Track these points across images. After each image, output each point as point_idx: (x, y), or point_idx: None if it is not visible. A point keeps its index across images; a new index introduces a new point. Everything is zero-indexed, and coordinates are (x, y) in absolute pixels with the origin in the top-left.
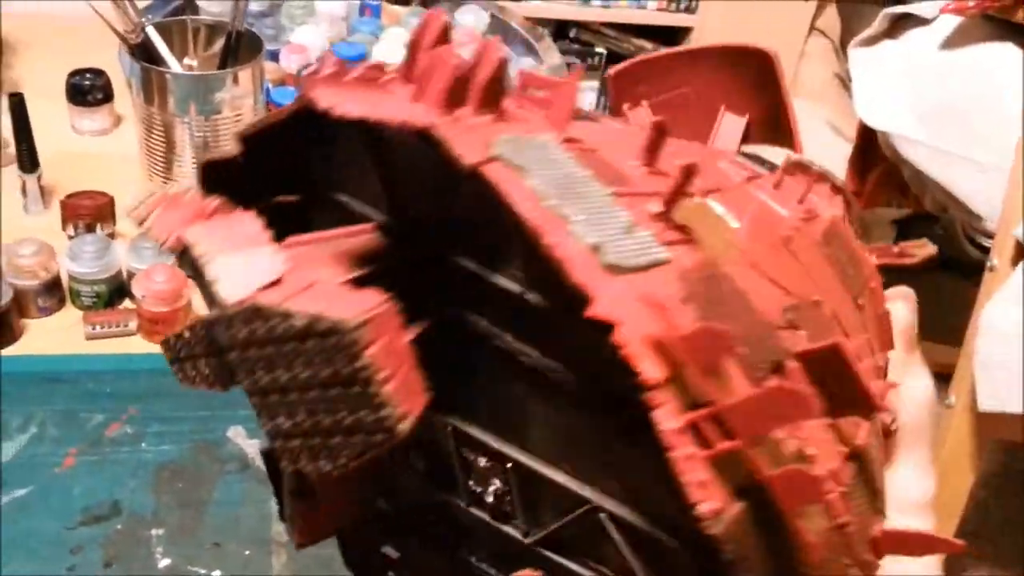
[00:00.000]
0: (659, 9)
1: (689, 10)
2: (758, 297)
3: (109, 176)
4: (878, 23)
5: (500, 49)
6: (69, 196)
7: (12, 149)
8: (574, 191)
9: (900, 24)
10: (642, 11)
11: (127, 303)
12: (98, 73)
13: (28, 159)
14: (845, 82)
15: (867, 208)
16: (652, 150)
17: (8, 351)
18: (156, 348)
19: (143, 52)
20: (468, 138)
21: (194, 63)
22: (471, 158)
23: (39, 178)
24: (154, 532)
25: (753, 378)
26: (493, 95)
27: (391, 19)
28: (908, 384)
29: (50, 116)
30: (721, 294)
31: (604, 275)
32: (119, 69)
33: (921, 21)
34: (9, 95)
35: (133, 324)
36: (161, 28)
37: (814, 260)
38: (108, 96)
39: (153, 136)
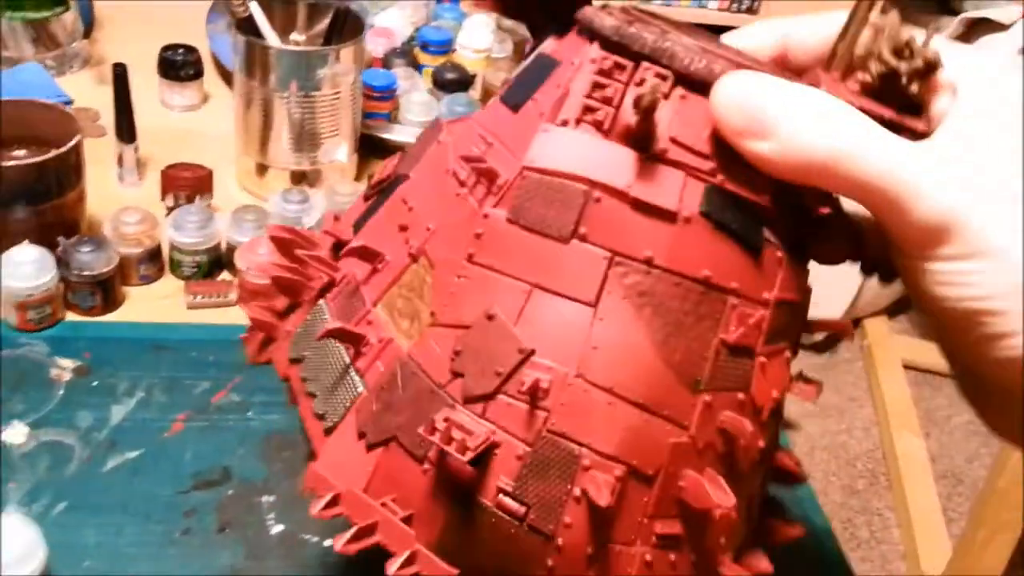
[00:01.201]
0: (720, 9)
1: (751, 11)
2: (430, 362)
3: (202, 150)
4: (954, 27)
5: None
6: (169, 167)
7: (102, 121)
8: (317, 364)
9: (976, 29)
10: (703, 11)
11: (224, 275)
12: (190, 49)
13: (127, 130)
14: None
15: None
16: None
17: (111, 317)
18: None
19: (246, 26)
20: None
21: (301, 38)
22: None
23: (136, 149)
24: (265, 499)
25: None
26: None
27: (468, 5)
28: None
29: (140, 89)
30: (391, 399)
31: (324, 440)
32: (207, 46)
33: (998, 26)
34: (113, 65)
35: (233, 295)
36: (263, 4)
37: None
38: (199, 72)
39: (251, 112)
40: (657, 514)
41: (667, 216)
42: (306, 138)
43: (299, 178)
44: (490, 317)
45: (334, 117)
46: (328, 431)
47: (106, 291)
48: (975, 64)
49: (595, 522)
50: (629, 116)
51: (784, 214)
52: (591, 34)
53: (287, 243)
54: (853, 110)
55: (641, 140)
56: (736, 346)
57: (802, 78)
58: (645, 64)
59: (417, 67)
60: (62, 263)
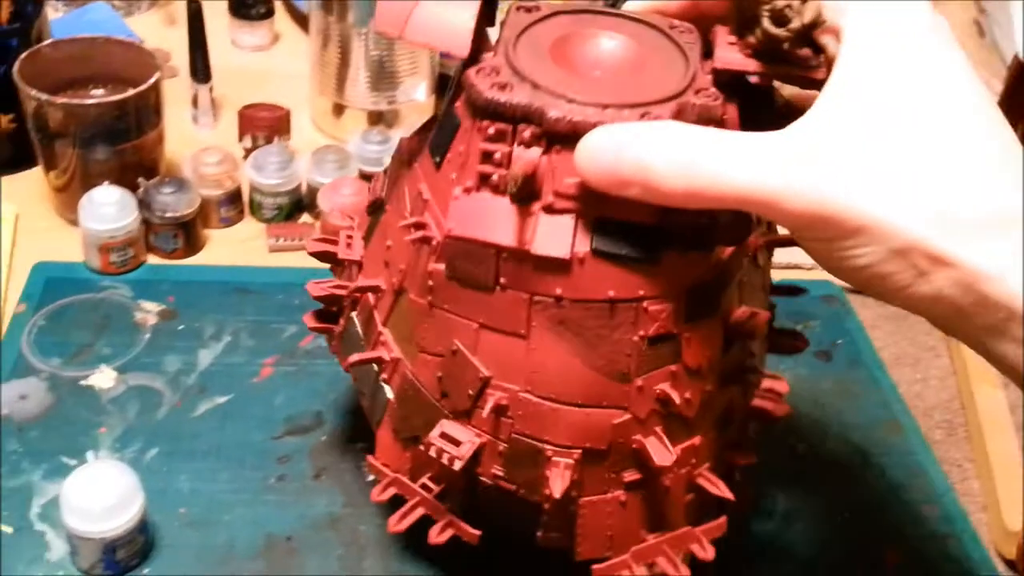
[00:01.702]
0: None
1: None
2: (426, 382)
3: (275, 91)
4: None
5: None
6: (246, 107)
7: (174, 62)
8: (361, 371)
9: None
10: None
11: (305, 217)
12: None
13: (202, 69)
14: (983, 27)
15: None
16: None
17: (193, 260)
18: None
19: None
20: None
21: None
22: None
23: (211, 89)
24: (360, 445)
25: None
26: None
27: None
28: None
29: (210, 30)
30: (408, 407)
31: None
32: None
33: None
34: (188, 2)
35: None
36: None
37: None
38: (269, 11)
39: (328, 50)
40: (620, 469)
41: (563, 263)
42: (384, 77)
43: (376, 119)
44: (454, 352)
45: (413, 55)
46: (377, 424)
47: (188, 233)
48: (864, 4)
49: (569, 488)
50: (512, 186)
51: (674, 219)
52: (473, 106)
53: (327, 255)
54: (700, 135)
55: (528, 199)
56: (657, 337)
57: (704, 33)
58: (522, 126)
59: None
60: (143, 205)
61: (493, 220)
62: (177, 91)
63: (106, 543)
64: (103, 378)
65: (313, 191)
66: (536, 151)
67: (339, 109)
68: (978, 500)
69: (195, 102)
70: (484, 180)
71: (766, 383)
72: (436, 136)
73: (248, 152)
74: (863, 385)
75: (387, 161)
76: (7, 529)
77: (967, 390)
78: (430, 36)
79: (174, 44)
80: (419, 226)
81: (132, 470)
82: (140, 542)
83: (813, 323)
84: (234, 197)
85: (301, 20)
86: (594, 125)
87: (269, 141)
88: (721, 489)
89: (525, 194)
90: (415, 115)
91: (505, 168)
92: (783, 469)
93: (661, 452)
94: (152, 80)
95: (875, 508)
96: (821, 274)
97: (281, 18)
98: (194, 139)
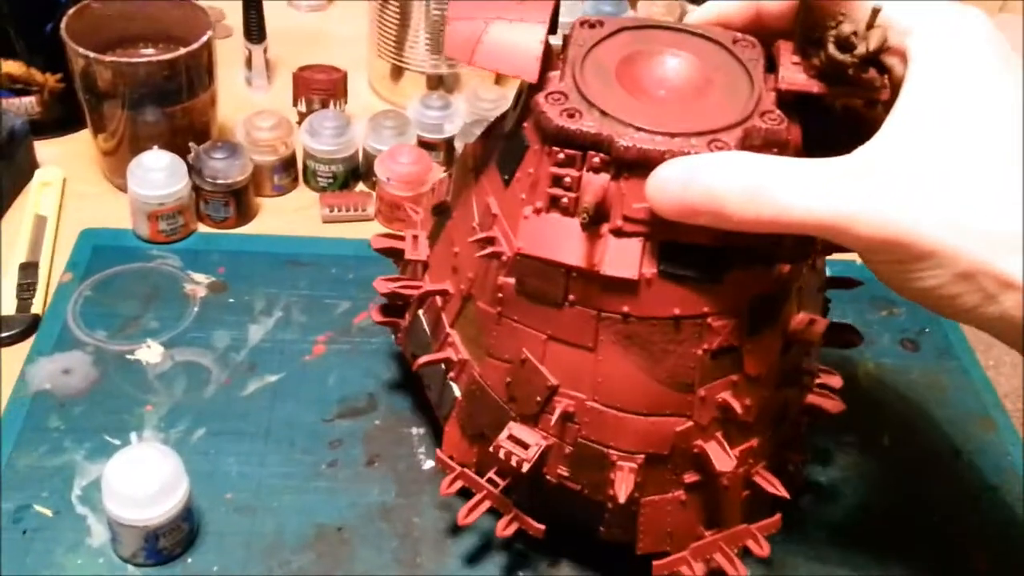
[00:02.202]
0: None
1: None
2: (495, 385)
3: (332, 53)
4: None
5: None
6: (301, 69)
7: (228, 21)
8: (429, 369)
9: None
10: None
11: (361, 186)
12: None
13: (256, 28)
14: None
15: None
16: None
17: (244, 229)
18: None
19: None
20: None
21: None
22: None
23: (265, 50)
24: (415, 431)
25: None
26: None
27: None
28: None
29: None
30: (475, 406)
31: (443, 426)
32: None
33: None
34: None
35: (371, 208)
36: None
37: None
38: None
39: (387, 9)
40: (681, 472)
41: (631, 283)
42: None
43: (436, 83)
44: (523, 360)
45: None
46: (444, 419)
47: (240, 201)
48: (930, 26)
49: (633, 487)
50: (584, 216)
51: (738, 240)
52: (542, 132)
53: (392, 252)
54: (767, 164)
55: (597, 222)
56: (719, 349)
57: (767, 49)
58: (591, 152)
59: None
60: (194, 171)
61: (563, 241)
62: (230, 52)
63: (148, 531)
64: (150, 353)
65: (370, 158)
66: (604, 177)
67: (398, 72)
68: None
69: (249, 63)
70: (554, 202)
71: (821, 378)
72: (504, 154)
73: (303, 116)
74: (953, 376)
75: (449, 128)
76: (46, 511)
77: None
78: (499, 62)
79: (228, 2)
80: (489, 241)
81: (176, 454)
82: (184, 530)
83: (899, 310)
84: (288, 164)
85: None
86: (662, 153)
87: (325, 105)
88: (777, 488)
89: (593, 220)
90: (477, 79)
91: (574, 191)
92: (867, 462)
93: (722, 458)
94: (204, 39)
95: (965, 509)
96: None
97: None
98: (248, 102)
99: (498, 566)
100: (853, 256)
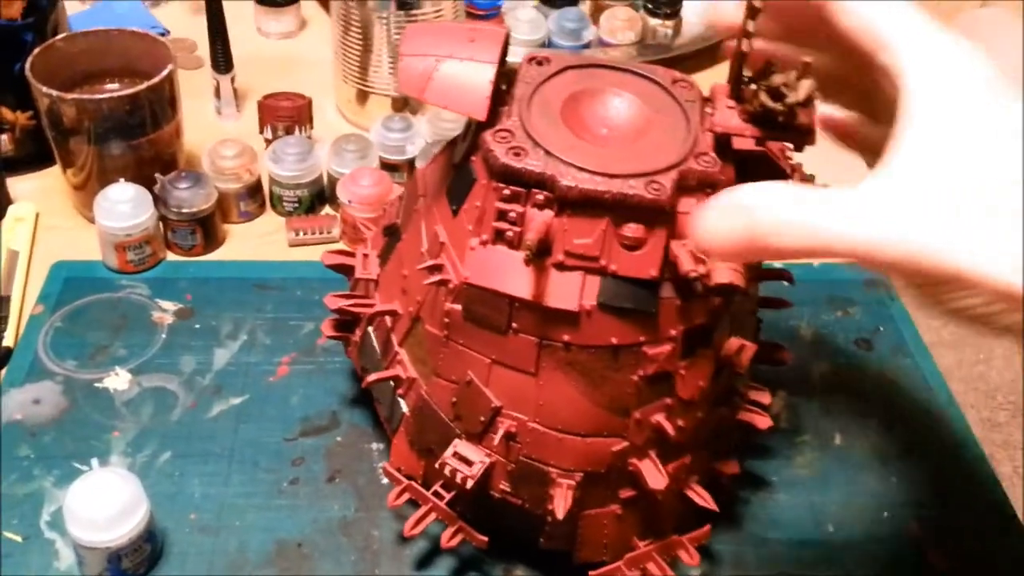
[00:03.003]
0: None
1: None
2: (441, 404)
3: (301, 79)
4: None
5: None
6: (266, 97)
7: (200, 52)
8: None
9: None
10: None
11: (327, 209)
12: None
13: (223, 58)
14: None
15: None
16: None
17: (212, 256)
18: None
19: None
20: None
21: None
22: None
23: (233, 79)
24: (375, 446)
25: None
26: None
27: None
28: None
29: (235, 18)
30: (423, 424)
31: (392, 439)
32: None
33: None
34: None
35: (336, 231)
36: None
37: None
38: None
39: (349, 35)
40: (617, 488)
41: (572, 314)
42: None
43: (401, 104)
44: (468, 382)
45: None
46: (393, 432)
47: (206, 229)
48: (924, 54)
49: (572, 503)
50: (528, 253)
51: (672, 275)
52: (489, 168)
53: (342, 268)
54: (805, 195)
55: (540, 256)
56: (655, 375)
57: (706, 102)
58: (535, 190)
59: None
60: (160, 201)
61: (507, 272)
62: (201, 82)
63: (111, 552)
64: (118, 380)
65: (334, 182)
66: (548, 214)
67: (364, 96)
68: None
69: (217, 93)
70: (499, 235)
71: (752, 395)
72: (453, 185)
73: (269, 143)
74: (907, 374)
75: (411, 149)
76: (16, 537)
77: None
78: (449, 100)
79: (202, 34)
80: (438, 268)
81: (136, 477)
82: (147, 550)
83: (853, 310)
84: (254, 190)
85: (328, 5)
86: (602, 193)
87: (290, 131)
88: (707, 501)
89: (537, 254)
90: None
91: (519, 226)
92: (820, 461)
93: (655, 476)
94: (165, 72)
95: (916, 504)
96: None
97: (308, 3)
98: (218, 131)
99: (453, 572)
100: (811, 259)
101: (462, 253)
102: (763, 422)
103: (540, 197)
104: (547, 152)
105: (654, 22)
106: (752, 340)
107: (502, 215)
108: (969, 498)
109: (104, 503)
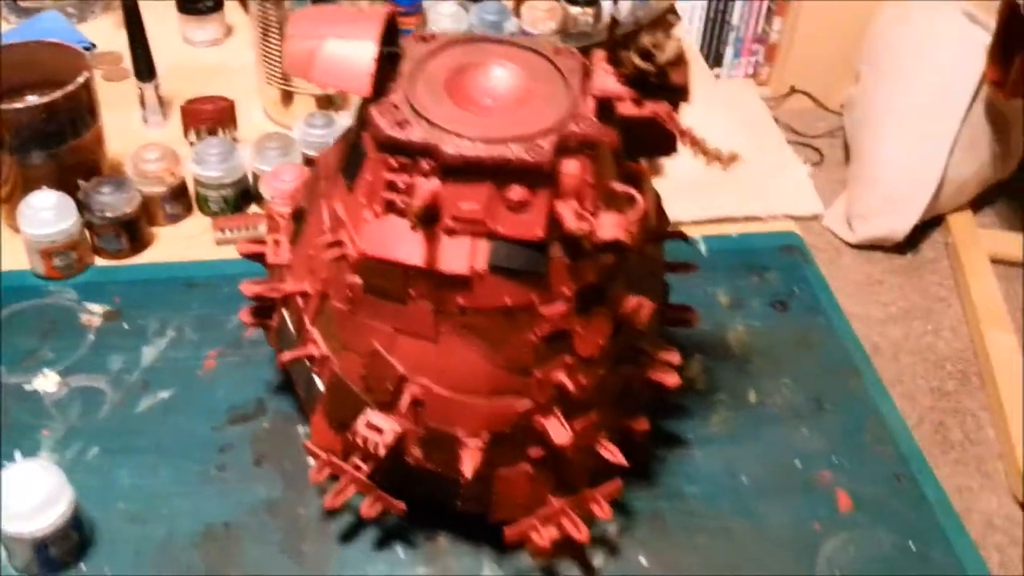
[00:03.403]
0: None
1: None
2: (352, 377)
3: (227, 84)
4: None
5: None
6: (189, 102)
7: (126, 64)
8: (296, 366)
9: None
10: None
11: (254, 208)
12: None
13: (145, 67)
14: None
15: (1012, 98)
16: None
17: (139, 259)
18: None
19: None
20: None
21: None
22: None
23: (156, 87)
24: (301, 429)
25: None
26: None
27: None
28: None
29: (161, 29)
30: (337, 399)
31: (311, 418)
32: None
33: None
34: (122, 1)
35: (262, 228)
36: None
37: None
38: (219, 4)
39: (269, 37)
40: (526, 447)
41: (464, 278)
42: None
43: (326, 103)
44: (373, 353)
45: None
46: (311, 411)
47: (132, 233)
48: None
49: (480, 467)
50: (412, 218)
51: (559, 235)
52: (376, 141)
53: (257, 256)
54: None
55: (429, 223)
56: (550, 335)
57: (583, 59)
58: (420, 159)
59: None
60: (84, 207)
61: (400, 242)
62: (130, 93)
63: (36, 541)
64: (46, 382)
65: (259, 180)
66: (434, 182)
67: (288, 96)
68: (994, 449)
69: (142, 101)
70: (390, 206)
71: (661, 355)
72: (346, 162)
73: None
74: (820, 333)
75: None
76: None
77: (979, 338)
78: (334, 78)
79: (127, 46)
80: (337, 243)
81: (59, 468)
82: (74, 539)
83: (769, 273)
84: (179, 193)
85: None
86: (483, 158)
87: (213, 134)
88: (617, 456)
89: (426, 221)
90: None
91: (408, 196)
92: (735, 418)
93: (560, 432)
94: (80, 80)
95: (827, 452)
96: (780, 225)
97: (234, 10)
98: (146, 140)
99: (378, 543)
100: (727, 228)
101: (359, 227)
102: (672, 380)
103: (425, 166)
104: (430, 123)
105: (574, 10)
106: (658, 302)
107: (391, 186)
108: (880, 444)
109: (27, 493)
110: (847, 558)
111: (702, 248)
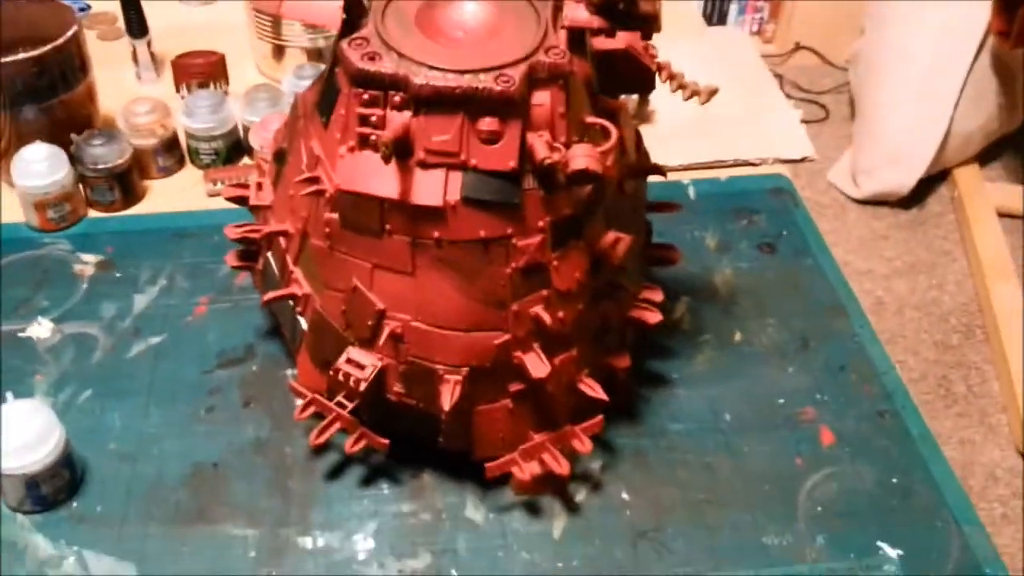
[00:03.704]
0: None
1: None
2: (333, 315)
3: (218, 42)
4: None
5: None
6: (180, 56)
7: (120, 24)
8: (280, 306)
9: None
10: None
11: (246, 160)
12: None
13: (137, 24)
14: None
15: (1017, 48)
16: None
17: (132, 210)
18: None
19: None
20: None
21: None
22: None
23: (149, 44)
24: (290, 372)
25: None
26: None
27: None
28: None
29: None
30: (320, 337)
31: (296, 357)
32: None
33: None
34: None
35: (254, 178)
36: None
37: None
38: None
39: None
40: (506, 382)
41: (438, 210)
42: None
43: (317, 55)
44: (353, 289)
45: None
46: (296, 351)
47: (124, 185)
48: None
49: (462, 399)
50: (384, 149)
51: (532, 166)
52: (347, 74)
53: (242, 199)
54: None
55: (403, 156)
56: (526, 268)
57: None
58: (391, 92)
59: None
60: (76, 160)
61: (375, 175)
62: (124, 52)
63: (28, 478)
64: (40, 329)
65: (248, 132)
66: (406, 114)
67: (279, 51)
68: (998, 401)
69: (135, 58)
70: (364, 140)
71: (644, 294)
72: (322, 99)
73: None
74: (808, 274)
75: None
76: None
77: (984, 291)
78: (305, 12)
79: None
80: (314, 180)
81: (49, 408)
82: (65, 477)
83: (758, 216)
84: (170, 145)
85: None
86: (453, 89)
87: (206, 88)
88: (597, 392)
89: (398, 154)
90: None
91: (381, 129)
92: (720, 358)
93: (538, 366)
94: (69, 34)
95: (811, 390)
96: (769, 168)
97: None
98: (138, 96)
99: (363, 480)
100: (717, 173)
101: (335, 162)
102: (653, 317)
103: (397, 99)
104: (400, 55)
105: None
106: (640, 240)
107: (364, 120)
108: (866, 382)
109: (18, 431)
110: (829, 493)
111: (691, 192)
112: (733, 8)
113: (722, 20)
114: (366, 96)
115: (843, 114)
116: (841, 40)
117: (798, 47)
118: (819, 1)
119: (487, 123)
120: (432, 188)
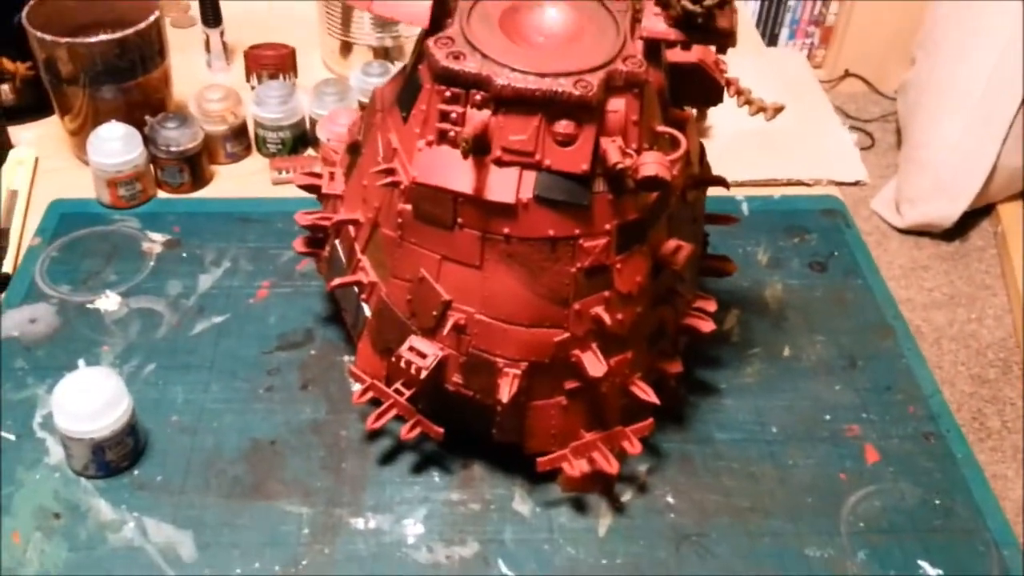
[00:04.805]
0: None
1: None
2: (398, 303)
3: (288, 34)
4: None
5: None
6: (252, 47)
7: (193, 12)
8: (344, 292)
9: None
10: None
11: (310, 151)
12: None
13: (212, 13)
14: None
15: None
16: None
17: (200, 193)
18: None
19: None
20: None
21: None
22: None
23: (222, 33)
24: (346, 358)
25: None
26: None
27: None
28: None
29: None
30: (383, 324)
31: (357, 343)
32: None
33: None
34: None
35: (318, 169)
36: None
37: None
38: None
39: None
40: (562, 379)
41: (510, 207)
42: None
43: (382, 54)
44: (420, 279)
45: None
46: (358, 337)
47: (194, 168)
48: None
49: (519, 392)
50: (464, 145)
51: (604, 170)
52: (432, 72)
53: (313, 188)
54: None
55: (480, 153)
56: (590, 268)
57: (633, 10)
58: (473, 91)
59: None
60: (149, 141)
61: (451, 170)
62: (196, 39)
63: (95, 443)
64: (108, 302)
65: (315, 125)
66: (485, 113)
67: (347, 47)
68: None
69: (208, 47)
70: (443, 136)
71: (697, 303)
72: (402, 94)
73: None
74: (857, 293)
75: None
76: (10, 436)
77: (1023, 327)
78: (395, 10)
79: None
80: (390, 172)
81: (118, 376)
82: (129, 444)
83: (810, 236)
84: (239, 132)
85: None
86: (534, 92)
87: (275, 79)
88: (649, 395)
89: (476, 150)
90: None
91: (460, 126)
92: (768, 370)
93: (595, 365)
94: (151, 19)
95: (858, 408)
96: (823, 189)
97: None
98: (211, 83)
99: (415, 467)
100: (770, 191)
101: (412, 156)
102: (707, 326)
103: (478, 97)
104: (484, 55)
105: None
106: (697, 249)
107: (445, 116)
108: (911, 403)
109: (88, 397)
110: (872, 509)
111: (744, 208)
112: (784, 32)
113: (772, 43)
114: (448, 93)
115: (889, 143)
116: (890, 69)
117: (847, 74)
118: (870, 29)
119: (563, 126)
120: (506, 185)
